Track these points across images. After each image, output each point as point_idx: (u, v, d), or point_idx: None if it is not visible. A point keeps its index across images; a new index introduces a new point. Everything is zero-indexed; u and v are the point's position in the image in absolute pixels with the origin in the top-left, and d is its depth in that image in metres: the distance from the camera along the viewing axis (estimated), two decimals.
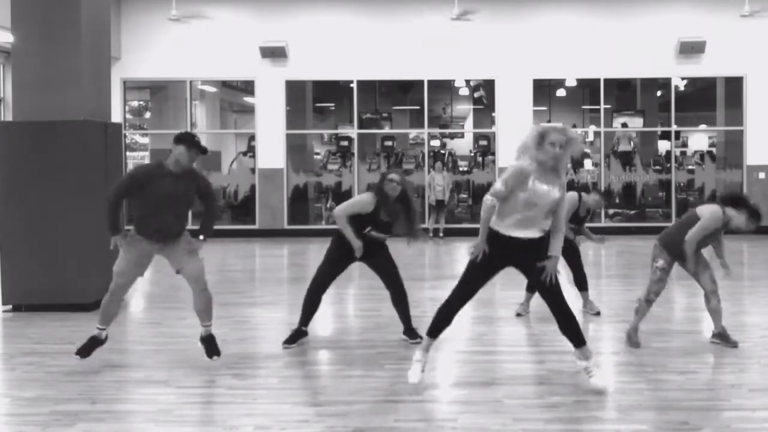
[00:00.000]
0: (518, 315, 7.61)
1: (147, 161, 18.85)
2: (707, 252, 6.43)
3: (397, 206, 6.42)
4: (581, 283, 7.79)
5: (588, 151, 19.33)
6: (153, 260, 5.92)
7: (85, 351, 5.83)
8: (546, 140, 4.99)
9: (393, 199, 6.38)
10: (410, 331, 6.62)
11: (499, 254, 5.14)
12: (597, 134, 17.87)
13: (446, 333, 6.96)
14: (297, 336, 6.54)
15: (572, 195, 7.64)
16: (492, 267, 5.23)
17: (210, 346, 5.89)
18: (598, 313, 7.67)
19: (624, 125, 17.45)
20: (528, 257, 5.14)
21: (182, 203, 5.78)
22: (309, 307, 6.57)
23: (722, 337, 6.37)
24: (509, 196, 5.02)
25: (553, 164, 5.03)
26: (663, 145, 19.15)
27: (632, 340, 6.40)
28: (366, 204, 6.37)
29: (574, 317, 5.26)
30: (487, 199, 5.08)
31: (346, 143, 17.52)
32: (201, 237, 5.88)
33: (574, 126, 21.31)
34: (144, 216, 5.72)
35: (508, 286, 8.15)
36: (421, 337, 6.52)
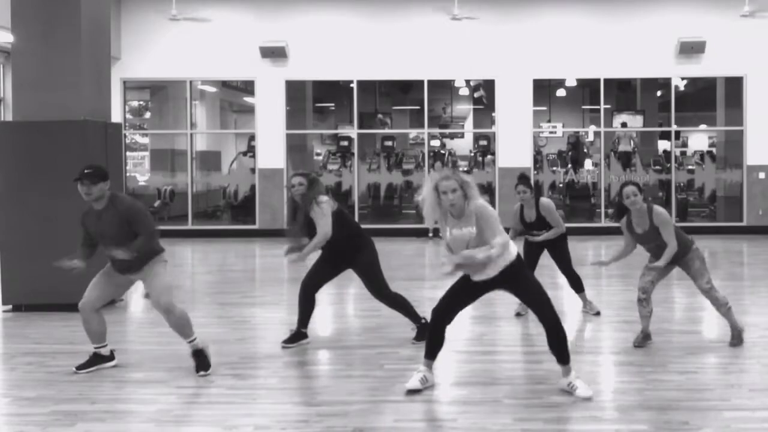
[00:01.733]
0: (518, 315, 7.61)
1: (147, 161, 18.86)
2: (707, 255, 6.44)
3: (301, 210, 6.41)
4: (576, 285, 7.76)
5: (588, 150, 19.34)
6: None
7: (85, 366, 5.78)
8: (439, 191, 5.00)
9: (298, 202, 6.42)
10: (296, 335, 6.54)
11: (475, 285, 5.22)
12: (597, 134, 17.87)
13: (446, 333, 6.97)
14: (297, 337, 6.53)
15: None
16: (473, 293, 5.30)
17: (198, 360, 5.72)
18: (598, 313, 7.67)
19: (624, 125, 17.45)
20: (502, 286, 5.23)
21: (113, 238, 5.59)
22: (304, 307, 6.54)
23: (737, 337, 6.42)
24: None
25: (455, 210, 5.03)
26: (663, 145, 19.15)
27: (638, 341, 6.41)
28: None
29: (560, 333, 5.19)
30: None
31: (346, 143, 17.52)
32: (123, 250, 5.57)
33: (582, 132, 21.32)
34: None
35: None
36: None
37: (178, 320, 5.72)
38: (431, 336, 5.35)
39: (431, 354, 5.35)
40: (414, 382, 5.22)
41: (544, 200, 7.53)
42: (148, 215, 5.78)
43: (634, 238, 6.35)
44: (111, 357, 5.90)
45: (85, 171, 5.55)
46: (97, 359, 5.83)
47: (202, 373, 5.65)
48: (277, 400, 5.14)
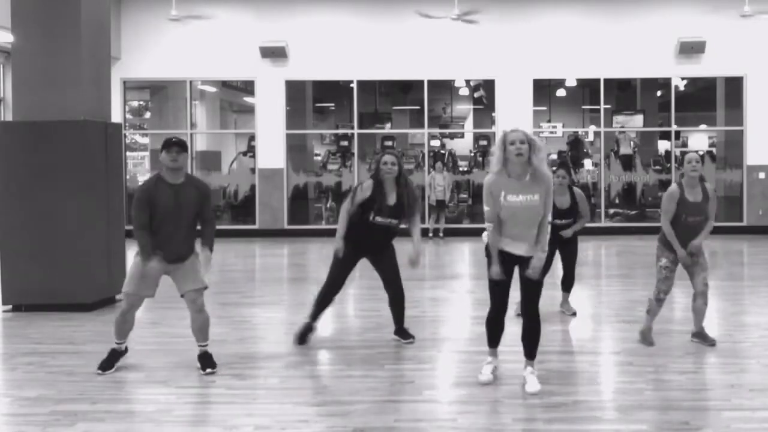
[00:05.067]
0: (519, 315, 7.59)
1: (147, 161, 18.84)
2: (707, 254, 6.43)
3: (397, 188, 6.37)
4: (568, 284, 7.73)
5: (588, 150, 19.34)
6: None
7: (107, 364, 5.76)
8: (507, 142, 5.03)
9: (390, 181, 6.34)
10: (402, 331, 6.64)
11: (504, 266, 5.24)
12: (597, 134, 17.87)
13: (446, 333, 6.98)
14: (307, 331, 6.54)
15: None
16: (506, 275, 5.30)
17: (205, 361, 5.78)
18: (574, 314, 7.62)
19: (623, 128, 17.45)
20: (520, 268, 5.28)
21: (184, 215, 5.62)
22: (321, 305, 6.56)
23: (701, 336, 6.41)
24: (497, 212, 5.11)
25: (519, 167, 5.02)
26: (663, 145, 19.16)
27: (647, 339, 6.44)
28: (364, 189, 6.33)
29: (539, 331, 5.38)
30: (487, 227, 5.19)
31: (346, 143, 17.52)
32: (206, 250, 5.72)
33: (581, 132, 21.34)
34: (153, 233, 5.58)
35: None
36: (412, 336, 6.55)
37: (205, 321, 5.80)
38: (495, 326, 5.46)
39: (496, 342, 5.50)
40: (487, 375, 5.35)
41: (578, 190, 7.73)
42: None
43: (683, 209, 6.21)
44: (126, 351, 5.93)
45: (173, 140, 5.58)
46: (116, 355, 5.82)
47: (208, 370, 5.67)
48: (277, 400, 5.14)
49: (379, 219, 6.33)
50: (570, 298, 7.78)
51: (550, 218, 7.29)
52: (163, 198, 5.54)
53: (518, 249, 5.18)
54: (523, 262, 5.22)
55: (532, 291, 5.29)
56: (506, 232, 5.17)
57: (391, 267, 6.57)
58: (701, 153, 19.88)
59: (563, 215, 7.50)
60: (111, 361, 5.81)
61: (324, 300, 6.56)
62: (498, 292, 5.31)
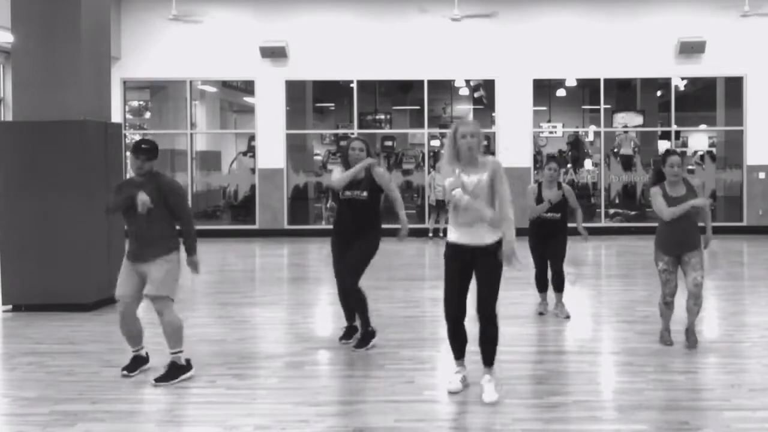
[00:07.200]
0: (540, 314, 7.57)
1: None
2: (706, 255, 6.43)
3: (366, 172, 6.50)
4: (558, 284, 7.61)
5: (588, 150, 19.35)
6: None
7: (131, 368, 5.66)
8: (458, 135, 5.23)
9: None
10: (350, 330, 6.62)
11: (460, 262, 5.14)
12: (597, 134, 17.86)
13: (446, 333, 6.96)
14: (348, 332, 6.60)
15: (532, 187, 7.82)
16: (466, 275, 5.22)
17: (168, 372, 5.53)
18: (567, 317, 7.55)
19: (625, 126, 17.44)
20: (479, 261, 5.10)
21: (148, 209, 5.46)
22: (359, 305, 6.50)
23: (685, 334, 6.44)
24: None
25: (469, 154, 5.17)
26: (663, 145, 19.15)
27: (664, 339, 6.47)
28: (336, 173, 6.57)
29: (497, 335, 5.19)
30: (455, 191, 5.13)
31: (345, 143, 17.50)
32: (189, 258, 5.64)
33: (577, 127, 21.34)
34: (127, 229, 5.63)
35: (508, 286, 8.11)
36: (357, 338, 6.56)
37: (172, 326, 5.55)
38: (454, 338, 5.27)
39: (460, 353, 5.31)
40: (456, 384, 5.18)
41: (566, 185, 7.76)
42: (186, 197, 5.77)
43: (668, 203, 6.29)
44: (147, 358, 5.81)
45: (143, 146, 5.52)
46: (139, 361, 5.73)
47: (160, 384, 5.42)
48: (277, 400, 5.14)
49: (347, 193, 6.44)
50: (565, 299, 7.71)
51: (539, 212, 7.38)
52: (128, 192, 5.60)
53: (474, 237, 5.05)
54: (479, 254, 5.06)
55: (488, 288, 5.10)
56: (458, 220, 5.13)
57: (352, 256, 6.37)
58: (700, 153, 20.02)
59: (550, 209, 7.56)
60: (134, 366, 5.68)
61: (358, 300, 6.44)
62: (455, 291, 5.14)
